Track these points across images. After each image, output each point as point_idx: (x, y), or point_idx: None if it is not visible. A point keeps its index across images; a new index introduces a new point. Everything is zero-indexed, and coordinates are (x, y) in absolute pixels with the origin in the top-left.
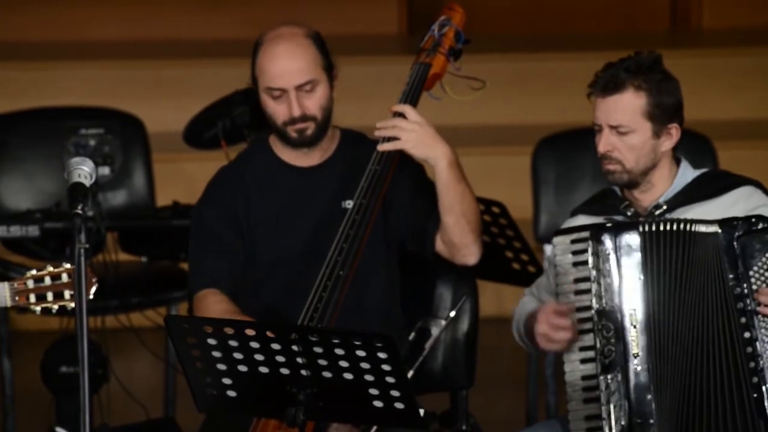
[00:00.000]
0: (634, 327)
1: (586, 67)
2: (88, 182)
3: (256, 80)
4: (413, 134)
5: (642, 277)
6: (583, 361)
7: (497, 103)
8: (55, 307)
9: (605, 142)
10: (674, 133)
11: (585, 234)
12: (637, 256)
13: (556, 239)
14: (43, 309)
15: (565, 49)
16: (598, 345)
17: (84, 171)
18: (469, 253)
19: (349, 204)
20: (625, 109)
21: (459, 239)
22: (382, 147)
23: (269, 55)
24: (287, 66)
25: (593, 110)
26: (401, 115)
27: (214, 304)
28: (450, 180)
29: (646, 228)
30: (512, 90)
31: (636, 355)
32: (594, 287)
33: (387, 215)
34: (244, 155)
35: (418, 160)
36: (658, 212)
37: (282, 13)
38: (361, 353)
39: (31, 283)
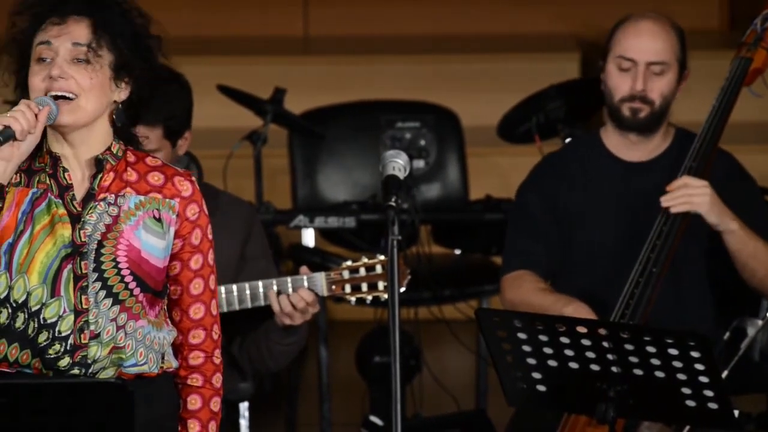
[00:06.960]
0: None
1: None
2: (402, 175)
3: (606, 54)
4: (705, 197)
5: None
6: None
7: None
8: (369, 297)
9: None
10: None
11: None
12: None
13: None
14: (357, 299)
15: None
16: None
17: (398, 164)
18: None
19: None
20: None
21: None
22: (675, 209)
23: (631, 27)
24: (646, 41)
25: None
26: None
27: (528, 283)
28: (741, 239)
29: None
30: None
31: None
32: None
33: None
34: (574, 143)
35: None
36: None
37: (596, 9)
38: (673, 352)
39: (346, 274)
